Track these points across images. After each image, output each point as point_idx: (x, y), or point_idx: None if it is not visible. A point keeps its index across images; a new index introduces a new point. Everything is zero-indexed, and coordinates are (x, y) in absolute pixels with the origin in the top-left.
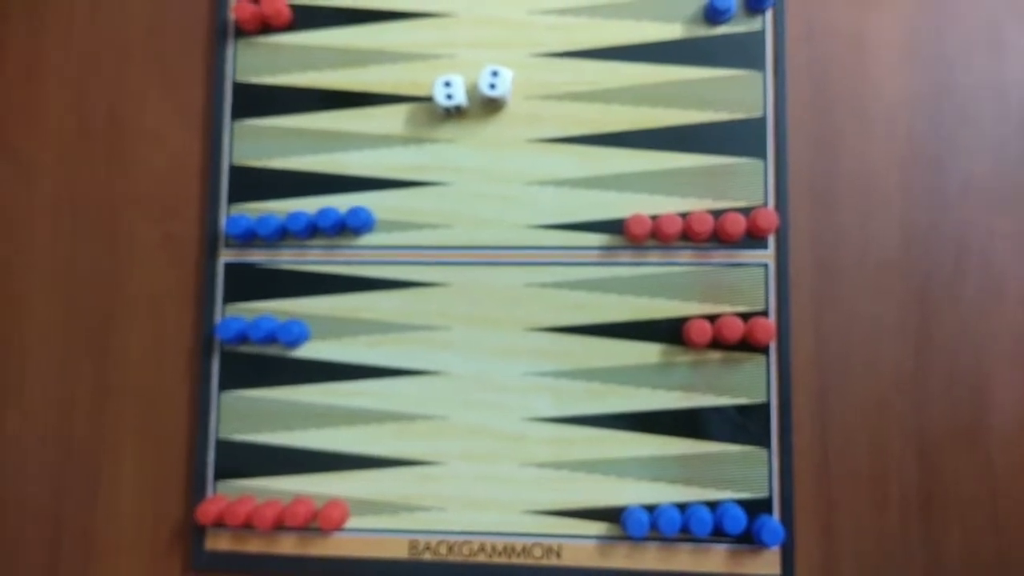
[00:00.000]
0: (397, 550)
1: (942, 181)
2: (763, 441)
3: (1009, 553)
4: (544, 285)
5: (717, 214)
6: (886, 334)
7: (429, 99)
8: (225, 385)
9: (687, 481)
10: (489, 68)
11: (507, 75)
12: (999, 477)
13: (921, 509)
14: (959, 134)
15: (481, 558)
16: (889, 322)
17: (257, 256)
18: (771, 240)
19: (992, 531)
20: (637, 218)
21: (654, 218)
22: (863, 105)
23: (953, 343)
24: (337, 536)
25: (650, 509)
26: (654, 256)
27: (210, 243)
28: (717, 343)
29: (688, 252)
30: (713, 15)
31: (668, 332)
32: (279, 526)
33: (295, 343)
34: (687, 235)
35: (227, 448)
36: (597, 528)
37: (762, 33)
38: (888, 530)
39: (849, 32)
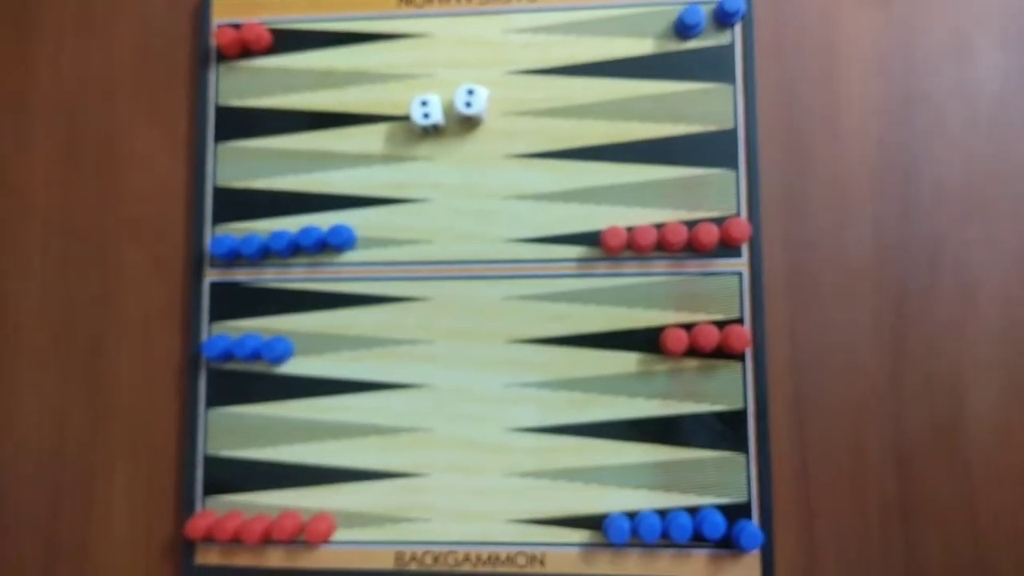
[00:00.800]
0: (383, 561)
1: (914, 188)
2: (741, 447)
3: (987, 557)
4: (524, 297)
5: (691, 225)
6: (861, 340)
7: (407, 118)
8: (212, 402)
9: (667, 487)
10: (464, 87)
11: (482, 93)
12: (977, 481)
13: (900, 513)
14: (930, 141)
15: (466, 567)
16: (864, 328)
17: (241, 275)
18: (745, 249)
19: (970, 535)
20: (613, 230)
21: (629, 230)
22: (833, 114)
23: (929, 348)
24: (324, 548)
25: (631, 516)
26: (630, 267)
27: (196, 263)
28: (694, 351)
29: (663, 262)
30: (683, 30)
31: (646, 341)
32: (267, 540)
33: (280, 360)
34: (662, 246)
35: (215, 464)
36: (580, 536)
37: (731, 46)
38: (867, 534)
39: (818, 42)
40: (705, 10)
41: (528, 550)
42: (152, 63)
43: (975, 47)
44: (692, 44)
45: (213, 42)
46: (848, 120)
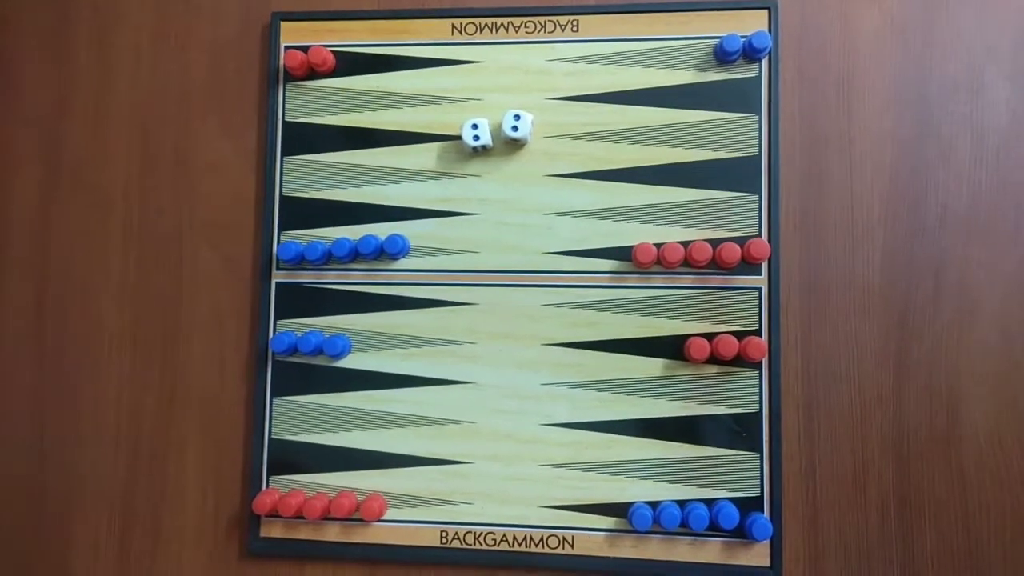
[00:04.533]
0: (429, 539)
1: (921, 214)
2: (755, 447)
3: (978, 550)
4: (560, 305)
5: (715, 243)
6: (868, 352)
7: (458, 138)
8: (277, 391)
9: (687, 481)
10: (511, 112)
11: (528, 118)
12: (969, 482)
13: (898, 509)
14: (938, 172)
15: (503, 547)
16: (871, 341)
17: (306, 277)
18: (764, 267)
19: (962, 530)
20: (643, 246)
21: (659, 246)
22: (849, 144)
23: (928, 360)
24: (376, 526)
25: (653, 506)
26: (658, 280)
27: (264, 266)
28: (714, 359)
29: (689, 277)
30: (723, 56)
31: (671, 348)
32: (326, 516)
33: (339, 355)
34: (688, 262)
35: (279, 447)
36: (606, 522)
37: (758, 79)
38: (867, 528)
39: (837, 77)
40: None
41: (559, 533)
42: (224, 81)
43: (986, 84)
44: (722, 76)
45: (282, 63)
46: (862, 149)
